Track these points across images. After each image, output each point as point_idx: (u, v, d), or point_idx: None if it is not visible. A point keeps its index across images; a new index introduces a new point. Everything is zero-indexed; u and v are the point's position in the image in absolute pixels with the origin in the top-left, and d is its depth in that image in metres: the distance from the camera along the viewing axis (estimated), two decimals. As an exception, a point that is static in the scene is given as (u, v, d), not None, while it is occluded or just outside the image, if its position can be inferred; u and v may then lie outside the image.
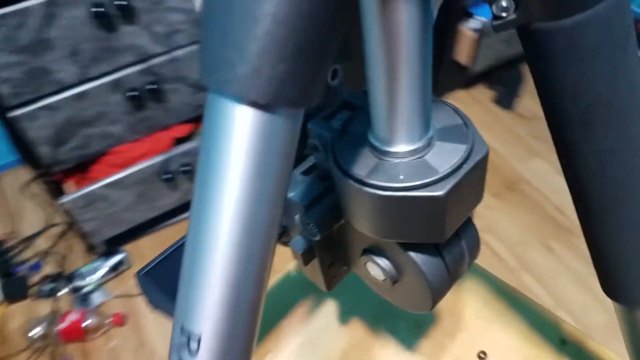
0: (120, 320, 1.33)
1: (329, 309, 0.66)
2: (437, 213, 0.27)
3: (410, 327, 0.61)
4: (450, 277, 0.32)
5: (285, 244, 0.48)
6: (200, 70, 0.21)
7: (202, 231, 0.23)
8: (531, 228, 1.38)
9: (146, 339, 1.30)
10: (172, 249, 0.46)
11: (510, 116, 1.68)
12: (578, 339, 0.55)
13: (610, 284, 0.33)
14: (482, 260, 0.48)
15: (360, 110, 0.35)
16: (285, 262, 0.65)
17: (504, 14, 0.22)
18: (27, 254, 1.52)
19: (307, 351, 0.66)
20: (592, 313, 1.22)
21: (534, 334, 0.57)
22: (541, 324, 0.57)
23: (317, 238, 0.36)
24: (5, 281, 1.42)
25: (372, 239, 0.36)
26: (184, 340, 0.25)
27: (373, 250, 0.35)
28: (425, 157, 0.28)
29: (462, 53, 1.56)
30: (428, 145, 0.28)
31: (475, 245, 0.33)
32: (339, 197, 0.33)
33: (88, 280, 1.40)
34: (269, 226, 0.23)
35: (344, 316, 0.65)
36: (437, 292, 0.32)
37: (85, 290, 1.40)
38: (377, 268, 0.35)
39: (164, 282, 0.44)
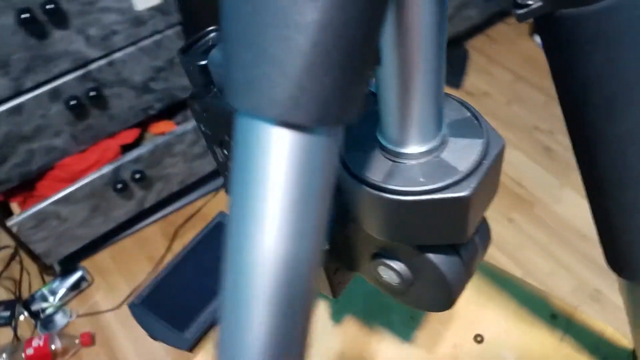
0: (88, 340, 1.27)
1: (319, 310, 0.65)
2: (461, 213, 0.26)
3: (405, 319, 0.61)
4: (467, 274, 0.32)
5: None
6: (228, 91, 0.19)
7: (243, 270, 0.21)
8: (492, 202, 1.42)
9: (119, 356, 1.25)
10: (162, 275, 0.43)
11: (459, 94, 1.70)
12: (567, 312, 0.56)
13: (618, 260, 0.33)
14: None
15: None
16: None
17: (529, 2, 0.21)
18: (-25, 283, 1.42)
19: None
20: (558, 280, 1.27)
21: (525, 312, 0.58)
22: (531, 301, 0.58)
23: (325, 247, 0.34)
24: (-46, 315, 1.33)
25: (382, 242, 0.35)
26: None
27: (385, 253, 0.34)
28: (442, 155, 0.27)
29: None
30: (442, 142, 0.27)
31: (487, 239, 0.33)
32: (350, 204, 0.31)
33: (48, 302, 1.33)
34: (313, 259, 0.21)
35: (336, 316, 0.64)
36: (456, 291, 0.31)
37: (46, 313, 1.32)
38: (390, 272, 0.34)
39: (161, 310, 0.41)
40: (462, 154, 0.26)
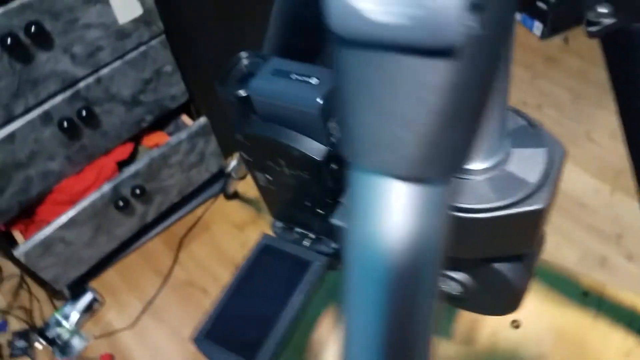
0: (107, 361, 1.27)
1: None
2: (534, 225, 0.26)
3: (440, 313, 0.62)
4: (529, 277, 0.32)
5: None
6: (349, 150, 0.19)
7: (359, 324, 0.21)
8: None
9: (140, 374, 1.25)
10: (220, 305, 0.43)
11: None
12: (598, 289, 0.57)
13: None
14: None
15: None
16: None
17: (603, 19, 0.21)
18: (-16, 316, 1.40)
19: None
20: (564, 251, 1.28)
21: (557, 293, 0.58)
22: (561, 281, 0.59)
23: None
24: (-33, 351, 1.31)
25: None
26: None
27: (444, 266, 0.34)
28: (508, 168, 0.26)
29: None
30: (506, 155, 0.27)
31: (543, 241, 0.33)
32: None
33: (63, 327, 1.32)
34: (435, 293, 0.21)
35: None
36: (521, 294, 0.31)
37: (63, 339, 1.31)
38: (453, 283, 0.34)
39: (226, 341, 0.41)
40: (528, 164, 0.26)
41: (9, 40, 0.97)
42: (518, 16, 1.77)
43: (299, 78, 0.35)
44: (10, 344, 1.33)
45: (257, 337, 0.40)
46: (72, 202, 1.22)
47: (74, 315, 1.34)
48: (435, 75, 0.16)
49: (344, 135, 0.19)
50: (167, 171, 1.33)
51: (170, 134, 1.40)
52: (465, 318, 0.65)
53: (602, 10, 0.21)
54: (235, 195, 1.51)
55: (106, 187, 1.23)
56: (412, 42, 0.16)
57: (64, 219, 1.20)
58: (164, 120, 1.36)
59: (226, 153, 1.54)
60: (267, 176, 0.41)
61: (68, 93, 1.12)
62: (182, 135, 1.31)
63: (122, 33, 1.13)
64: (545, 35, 1.71)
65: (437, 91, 0.16)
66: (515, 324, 0.61)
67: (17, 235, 1.24)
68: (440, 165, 0.18)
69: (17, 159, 1.11)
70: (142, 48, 1.18)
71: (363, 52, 0.17)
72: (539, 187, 0.25)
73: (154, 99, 1.26)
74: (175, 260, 1.43)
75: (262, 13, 1.40)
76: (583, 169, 1.42)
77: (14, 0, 0.96)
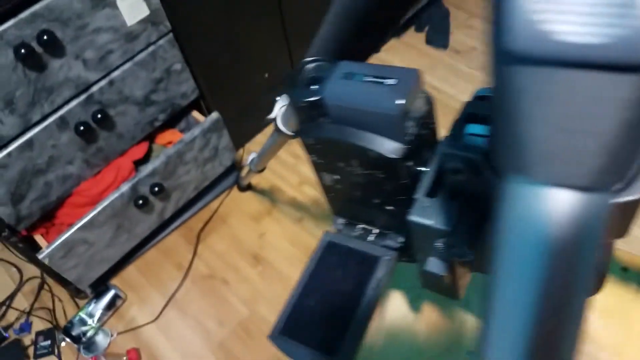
0: (136, 356, 1.30)
1: (399, 304, 0.68)
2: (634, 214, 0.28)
3: (481, 295, 0.65)
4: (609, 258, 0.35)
5: (408, 262, 0.49)
6: (514, 163, 0.20)
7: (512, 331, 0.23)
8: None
9: (169, 367, 1.29)
10: (292, 302, 0.45)
11: (448, 54, 1.73)
12: (636, 264, 0.60)
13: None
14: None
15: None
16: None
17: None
18: (10, 317, 1.42)
19: (391, 339, 0.69)
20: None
21: (595, 267, 0.61)
22: (599, 256, 0.62)
23: (470, 258, 0.37)
24: (-2, 353, 1.34)
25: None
26: None
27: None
28: None
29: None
30: None
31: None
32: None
33: (87, 325, 1.34)
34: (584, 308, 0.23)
35: (414, 303, 0.67)
36: (606, 275, 0.34)
37: (87, 336, 1.34)
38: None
39: (304, 337, 0.44)
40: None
41: (22, 50, 0.98)
42: None
43: (374, 80, 0.37)
44: (35, 343, 1.35)
45: (335, 332, 0.43)
46: (92, 204, 1.24)
47: (98, 313, 1.37)
48: (628, 90, 0.17)
49: (505, 150, 0.21)
50: (183, 168, 1.34)
51: (182, 131, 1.41)
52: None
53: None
54: (248, 187, 1.53)
55: (125, 187, 1.25)
56: (611, 59, 0.17)
57: (84, 220, 1.22)
58: (174, 118, 1.37)
59: (238, 146, 1.56)
60: (335, 176, 0.43)
61: (82, 97, 1.13)
62: (196, 131, 1.32)
63: (130, 35, 1.13)
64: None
65: (629, 104, 0.17)
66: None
67: (39, 239, 1.25)
68: (617, 174, 0.19)
69: (36, 165, 1.12)
70: (151, 48, 1.18)
71: (547, 70, 0.18)
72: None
73: (165, 98, 1.27)
74: (194, 254, 1.45)
75: (267, 7, 1.41)
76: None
77: (24, 11, 0.97)
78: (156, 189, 1.29)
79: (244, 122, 1.60)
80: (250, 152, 1.55)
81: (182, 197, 1.41)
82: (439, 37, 1.71)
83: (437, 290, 0.47)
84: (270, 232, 1.45)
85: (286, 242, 1.42)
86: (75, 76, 1.10)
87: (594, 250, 0.20)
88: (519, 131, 0.20)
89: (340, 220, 0.48)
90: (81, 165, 1.21)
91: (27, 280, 1.48)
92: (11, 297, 1.46)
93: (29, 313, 1.42)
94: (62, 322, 1.38)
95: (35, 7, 0.97)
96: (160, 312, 1.37)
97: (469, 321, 0.68)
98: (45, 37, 1.00)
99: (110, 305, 1.38)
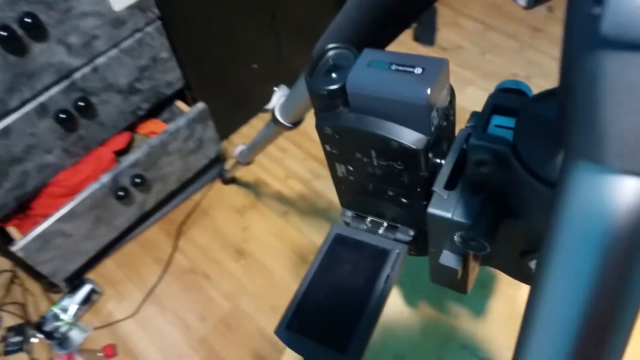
0: (112, 352, 1.26)
1: (396, 300, 0.67)
2: None
3: (476, 291, 0.64)
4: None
5: (416, 255, 0.48)
6: (594, 152, 0.19)
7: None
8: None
9: (148, 362, 1.26)
10: (299, 296, 0.44)
11: (434, 51, 1.73)
12: None
13: None
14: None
15: (516, 112, 0.35)
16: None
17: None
18: (-21, 313, 1.37)
19: (387, 335, 0.68)
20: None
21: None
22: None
23: (487, 252, 0.36)
24: (-34, 350, 1.28)
25: (531, 240, 0.37)
26: None
27: (538, 249, 0.36)
28: None
29: None
30: None
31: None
32: (537, 212, 0.33)
33: (61, 321, 1.30)
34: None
35: (410, 301, 0.66)
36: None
37: (60, 331, 1.29)
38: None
39: (312, 333, 0.42)
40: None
41: (3, 33, 0.94)
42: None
43: (401, 69, 0.36)
44: (5, 339, 1.30)
45: (344, 327, 0.41)
46: (70, 195, 1.20)
47: (72, 308, 1.32)
48: None
49: (579, 135, 0.20)
50: (165, 159, 1.31)
51: (165, 121, 1.38)
52: (502, 294, 0.68)
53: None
54: (233, 180, 1.50)
55: (106, 178, 1.21)
56: None
57: (62, 211, 1.18)
58: (157, 107, 1.34)
59: (222, 138, 1.53)
60: (350, 167, 0.41)
61: (64, 84, 1.09)
62: (181, 121, 1.29)
63: (117, 21, 1.10)
64: (529, 4, 1.75)
65: None
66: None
67: (12, 230, 1.21)
68: None
69: (13, 153, 1.08)
70: (138, 35, 1.15)
71: None
72: None
73: (150, 86, 1.23)
74: (174, 248, 1.42)
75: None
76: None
77: (7, -11, 0.93)
78: (137, 180, 1.26)
79: (230, 113, 1.57)
80: (235, 144, 1.52)
81: (164, 189, 1.38)
82: (426, 35, 1.71)
83: (447, 285, 0.46)
84: (255, 226, 1.43)
85: (271, 236, 1.40)
86: (57, 61, 1.05)
87: None
88: (600, 118, 0.19)
89: (349, 213, 0.47)
90: (60, 155, 1.16)
91: (-2, 273, 1.43)
92: (-20, 290, 1.40)
93: (-1, 308, 1.37)
94: (35, 318, 1.33)
95: (19, -13, 0.93)
96: (139, 307, 1.34)
97: (465, 315, 0.67)
98: (28, 20, 0.96)
99: (86, 300, 1.34)
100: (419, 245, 0.46)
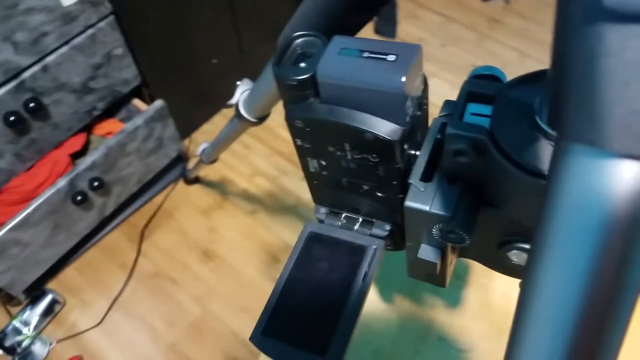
0: (78, 364, 1.21)
1: (372, 294, 0.66)
2: None
3: (451, 281, 0.64)
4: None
5: (391, 250, 0.47)
6: (590, 134, 0.18)
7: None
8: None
9: (116, 373, 1.21)
10: (274, 299, 0.42)
11: (396, 41, 1.72)
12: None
13: None
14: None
15: (492, 99, 0.33)
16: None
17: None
18: None
19: (364, 331, 0.66)
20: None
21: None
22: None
23: (467, 243, 0.35)
24: None
25: (510, 230, 0.36)
26: None
27: (517, 239, 0.35)
28: None
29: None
30: None
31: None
32: (516, 200, 0.32)
33: (22, 335, 1.24)
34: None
35: (386, 296, 0.65)
36: None
37: (22, 346, 1.23)
38: (524, 254, 0.35)
39: (287, 336, 0.40)
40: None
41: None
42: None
43: (373, 56, 0.34)
44: (-39, 358, 1.24)
45: (323, 329, 0.39)
46: (25, 201, 1.14)
47: (34, 320, 1.26)
48: None
49: (575, 117, 0.19)
50: (124, 160, 1.26)
51: (122, 120, 1.33)
52: (476, 284, 0.67)
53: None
54: (196, 180, 1.46)
55: (62, 182, 1.15)
56: None
57: (17, 219, 1.12)
58: (114, 107, 1.28)
59: (183, 136, 1.49)
60: (322, 162, 0.39)
61: (12, 85, 1.03)
62: (139, 120, 1.24)
63: (67, 16, 1.04)
64: (486, -3, 1.77)
65: None
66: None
67: (-36, 241, 1.14)
68: None
69: (-40, 159, 1.01)
70: (90, 31, 1.10)
71: None
72: None
73: (105, 85, 1.18)
74: (138, 252, 1.37)
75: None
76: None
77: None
78: (96, 183, 1.21)
79: (191, 110, 1.52)
80: (197, 142, 1.48)
81: (124, 192, 1.33)
82: (387, 27, 1.70)
83: (426, 279, 0.45)
84: (222, 226, 1.39)
85: (239, 236, 1.37)
86: (3, 60, 1.00)
87: None
88: (601, 98, 0.18)
89: (323, 209, 0.45)
90: (12, 160, 1.10)
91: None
92: None
93: (-48, 324, 1.29)
94: (-7, 333, 1.27)
95: (-43, -19, 0.87)
96: (104, 316, 1.29)
97: (440, 307, 0.66)
98: (-33, 16, 0.90)
99: (48, 311, 1.28)
100: (396, 240, 0.45)
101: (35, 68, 1.05)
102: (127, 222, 1.43)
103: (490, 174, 0.34)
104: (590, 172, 0.19)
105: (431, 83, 0.39)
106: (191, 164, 1.48)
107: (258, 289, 1.28)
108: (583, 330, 0.21)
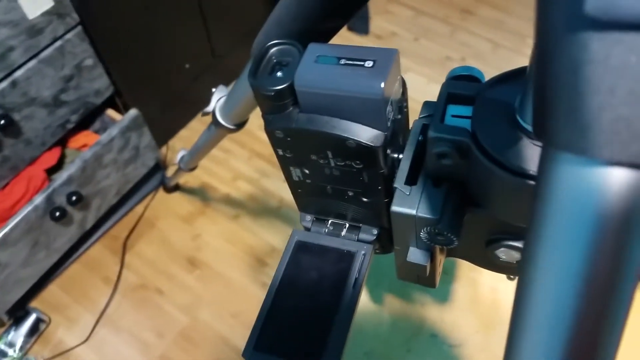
0: (66, 383, 1.19)
1: (363, 296, 0.66)
2: None
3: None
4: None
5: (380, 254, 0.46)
6: (575, 141, 0.18)
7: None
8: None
9: (107, 389, 1.19)
10: (264, 311, 0.41)
11: (369, 39, 1.72)
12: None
13: None
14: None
15: (472, 100, 0.33)
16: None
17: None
18: None
19: (355, 332, 0.66)
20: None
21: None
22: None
23: (455, 245, 0.35)
24: None
25: (496, 229, 0.36)
26: None
27: (504, 237, 0.35)
28: None
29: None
30: None
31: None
32: (485, 192, 0.32)
33: (8, 356, 1.21)
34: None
35: (375, 298, 0.65)
36: None
37: (8, 369, 1.21)
38: (512, 252, 0.36)
39: (282, 350, 0.39)
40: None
41: None
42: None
43: (350, 62, 0.33)
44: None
45: (316, 339, 0.39)
46: (1, 221, 1.11)
47: (19, 341, 1.24)
48: None
49: (561, 125, 0.18)
50: (101, 172, 1.24)
51: (97, 132, 1.30)
52: (464, 278, 0.68)
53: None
54: (176, 188, 1.44)
55: (39, 199, 1.13)
56: None
57: (-6, 240, 1.09)
58: (87, 118, 1.26)
59: (160, 144, 1.47)
60: (305, 170, 0.39)
61: (-20, 102, 1.00)
62: (114, 131, 1.22)
63: (33, 29, 1.02)
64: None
65: None
66: (511, 277, 0.64)
67: (-60, 265, 1.11)
68: None
69: None
70: (58, 43, 1.07)
71: (632, 36, 0.16)
72: None
73: (77, 97, 1.16)
74: (122, 264, 1.35)
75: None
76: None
77: None
78: (74, 197, 1.18)
79: (166, 117, 1.50)
80: (175, 150, 1.46)
81: (103, 204, 1.30)
82: (359, 24, 1.70)
83: (415, 281, 0.45)
84: (205, 233, 1.38)
85: (223, 242, 1.36)
86: (-31, 78, 0.97)
87: None
88: (587, 107, 0.18)
89: (308, 217, 0.44)
90: (-15, 179, 1.07)
91: None
92: None
93: None
94: (-24, 356, 1.24)
95: None
96: (91, 331, 1.26)
97: (430, 303, 0.67)
98: None
99: (33, 331, 1.25)
100: (383, 243, 0.45)
101: (4, 84, 1.02)
102: (109, 235, 1.40)
103: (474, 174, 0.34)
104: (580, 181, 0.19)
105: (406, 77, 0.39)
106: (170, 171, 1.46)
107: (246, 294, 1.27)
108: (581, 329, 0.21)
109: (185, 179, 1.45)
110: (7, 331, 1.24)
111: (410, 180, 0.37)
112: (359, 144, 0.35)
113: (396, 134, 0.37)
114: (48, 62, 1.07)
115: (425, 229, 0.36)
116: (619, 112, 0.17)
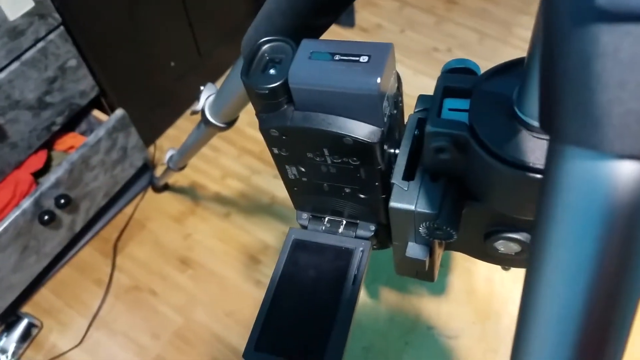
0: (61, 387, 1.18)
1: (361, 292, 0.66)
2: None
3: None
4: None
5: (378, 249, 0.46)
6: (585, 135, 0.18)
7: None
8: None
9: (103, 392, 1.18)
10: (264, 311, 0.41)
11: (355, 32, 1.71)
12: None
13: None
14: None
15: (469, 93, 0.33)
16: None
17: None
18: None
19: (353, 328, 0.66)
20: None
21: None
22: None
23: (454, 239, 0.35)
24: None
25: (494, 222, 0.36)
26: None
27: (502, 229, 0.35)
28: None
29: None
30: None
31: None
32: (483, 184, 0.32)
33: (0, 364, 1.20)
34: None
35: (372, 292, 0.65)
36: None
37: (1, 376, 1.19)
38: (511, 243, 0.36)
39: (283, 350, 0.39)
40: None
41: None
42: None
43: (345, 58, 0.33)
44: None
45: (317, 338, 0.39)
46: (-12, 227, 1.09)
47: (11, 347, 1.22)
48: None
49: (570, 119, 0.18)
50: (89, 174, 1.22)
51: (83, 133, 1.28)
52: (460, 269, 0.68)
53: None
54: (165, 187, 1.43)
55: (26, 203, 1.11)
56: None
57: (-17, 246, 1.07)
58: (73, 120, 1.24)
59: (148, 144, 1.45)
60: (301, 168, 0.39)
61: (-37, 106, 0.98)
62: (100, 132, 1.21)
63: (14, 31, 1.00)
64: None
65: None
66: (506, 267, 0.65)
67: None
68: None
69: None
70: (40, 44, 1.05)
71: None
72: None
73: (62, 99, 1.14)
74: (113, 266, 1.34)
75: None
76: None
77: None
78: (62, 200, 1.17)
79: (153, 116, 1.49)
80: (163, 149, 1.45)
81: (92, 207, 1.29)
82: (344, 16, 1.69)
83: (414, 275, 0.44)
84: (197, 232, 1.37)
85: (215, 240, 1.35)
86: (-50, 82, 0.95)
87: None
88: (598, 101, 0.17)
89: (305, 215, 0.44)
90: (-30, 184, 1.05)
91: None
92: None
93: None
94: (-32, 363, 1.22)
95: None
96: (85, 334, 1.25)
97: (427, 296, 0.67)
98: None
99: (25, 336, 1.24)
100: (381, 239, 0.45)
101: (-14, 87, 1.00)
102: (99, 237, 1.39)
103: (473, 168, 0.34)
104: (591, 175, 0.19)
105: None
106: (159, 171, 1.44)
107: (240, 292, 1.26)
108: (588, 331, 0.21)
109: (174, 179, 1.44)
110: (-1, 337, 1.23)
111: (408, 176, 0.37)
112: (355, 141, 0.34)
113: (392, 130, 0.37)
114: (31, 64, 1.05)
115: (424, 224, 0.36)
116: (629, 105, 0.17)
